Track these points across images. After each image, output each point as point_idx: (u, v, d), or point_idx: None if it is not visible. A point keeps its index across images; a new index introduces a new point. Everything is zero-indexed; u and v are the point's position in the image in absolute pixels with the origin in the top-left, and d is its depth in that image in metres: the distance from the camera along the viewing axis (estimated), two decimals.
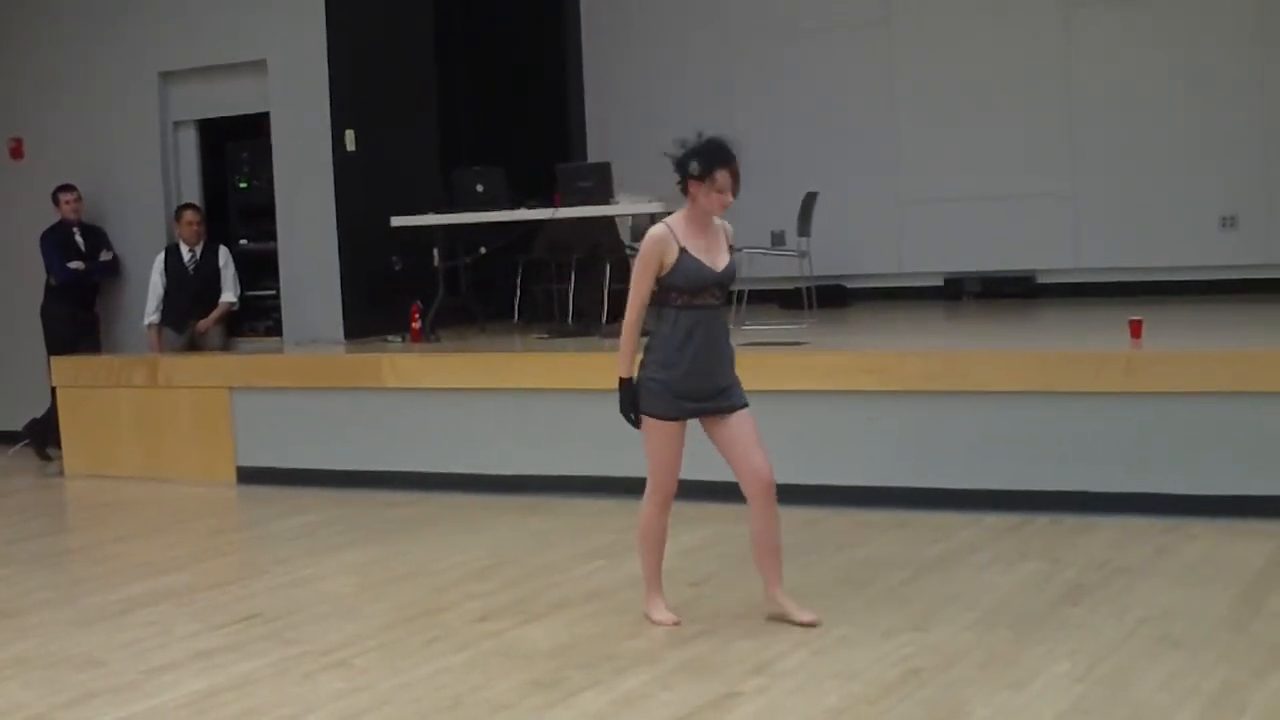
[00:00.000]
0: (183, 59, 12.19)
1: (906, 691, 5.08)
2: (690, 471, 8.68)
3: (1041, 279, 12.84)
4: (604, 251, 11.49)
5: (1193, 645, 5.45)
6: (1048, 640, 5.59)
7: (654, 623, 6.05)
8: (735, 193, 5.90)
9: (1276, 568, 6.57)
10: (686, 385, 5.89)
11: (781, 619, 5.98)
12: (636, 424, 6.01)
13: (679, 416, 5.95)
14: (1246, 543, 7.01)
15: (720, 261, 5.93)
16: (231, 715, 5.21)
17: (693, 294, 5.87)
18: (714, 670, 5.44)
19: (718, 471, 8.57)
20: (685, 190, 5.89)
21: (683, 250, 5.85)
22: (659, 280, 5.88)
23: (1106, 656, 5.35)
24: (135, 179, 12.38)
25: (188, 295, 11.73)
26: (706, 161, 5.82)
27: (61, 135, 12.64)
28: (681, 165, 5.87)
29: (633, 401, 5.98)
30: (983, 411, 8.05)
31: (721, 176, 5.83)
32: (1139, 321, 8.31)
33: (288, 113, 11.76)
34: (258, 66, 11.81)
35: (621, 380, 6.00)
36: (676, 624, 6.02)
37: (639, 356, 6.02)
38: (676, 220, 5.93)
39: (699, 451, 8.68)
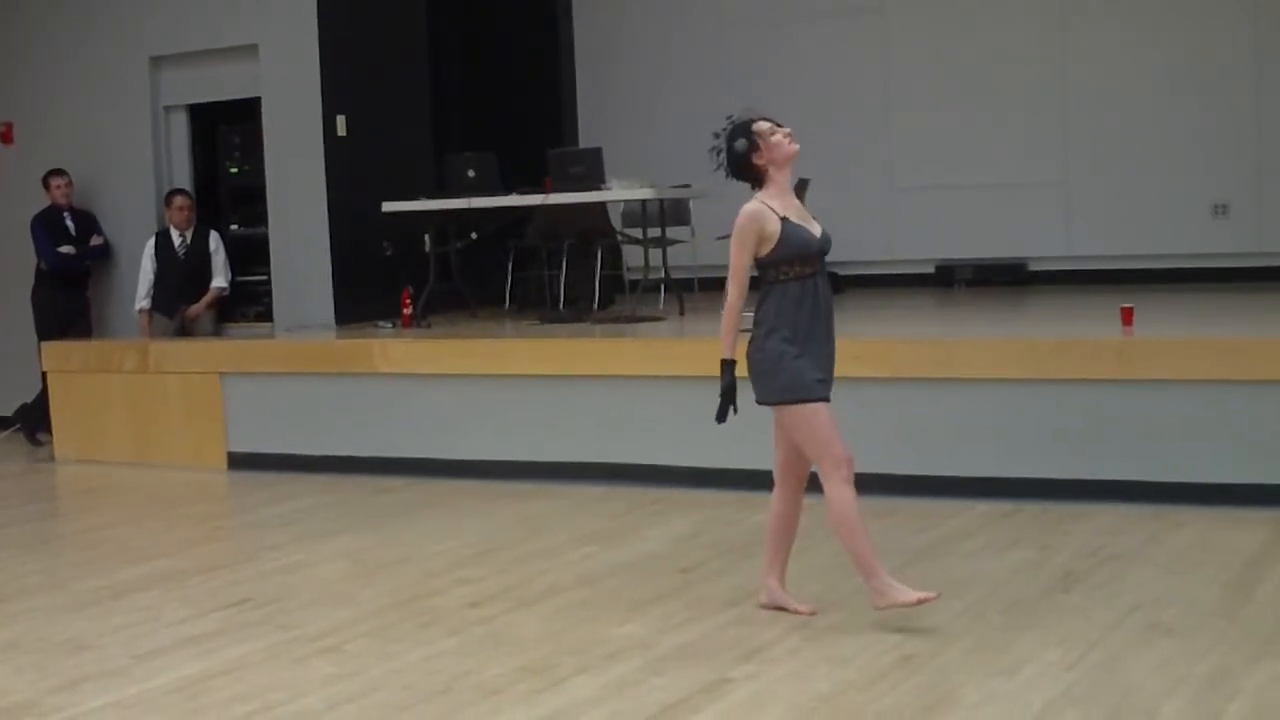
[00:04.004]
0: (174, 43, 12.15)
1: (898, 678, 5.09)
2: (678, 458, 8.76)
3: (1034, 266, 12.83)
4: (596, 237, 11.48)
5: (1184, 632, 5.46)
6: (1039, 627, 5.59)
7: (911, 604, 5.60)
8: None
9: (1267, 555, 6.57)
10: (816, 362, 5.71)
11: (779, 608, 5.96)
12: (728, 412, 5.71)
13: (825, 397, 5.71)
14: (1238, 530, 7.02)
15: (815, 229, 5.80)
16: (222, 700, 5.21)
17: (802, 263, 5.70)
18: (705, 657, 5.44)
19: (706, 458, 8.63)
20: (756, 178, 5.77)
21: (783, 219, 5.69)
22: (763, 258, 5.69)
23: (1097, 643, 5.36)
24: (126, 164, 12.35)
25: (178, 280, 11.71)
26: (743, 131, 5.75)
27: (52, 120, 12.59)
28: (734, 156, 5.77)
29: (735, 387, 5.69)
30: (974, 398, 8.04)
31: (763, 126, 5.75)
32: (1130, 309, 8.31)
33: (279, 98, 11.72)
34: (249, 51, 11.77)
35: (725, 363, 5.71)
36: (935, 596, 5.66)
37: (741, 344, 5.77)
38: (765, 197, 5.75)
39: (687, 437, 8.71)
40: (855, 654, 5.36)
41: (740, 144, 5.76)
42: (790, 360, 5.68)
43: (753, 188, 5.83)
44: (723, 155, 5.84)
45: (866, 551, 5.69)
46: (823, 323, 5.77)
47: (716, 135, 5.88)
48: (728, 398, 5.73)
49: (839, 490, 5.67)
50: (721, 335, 5.76)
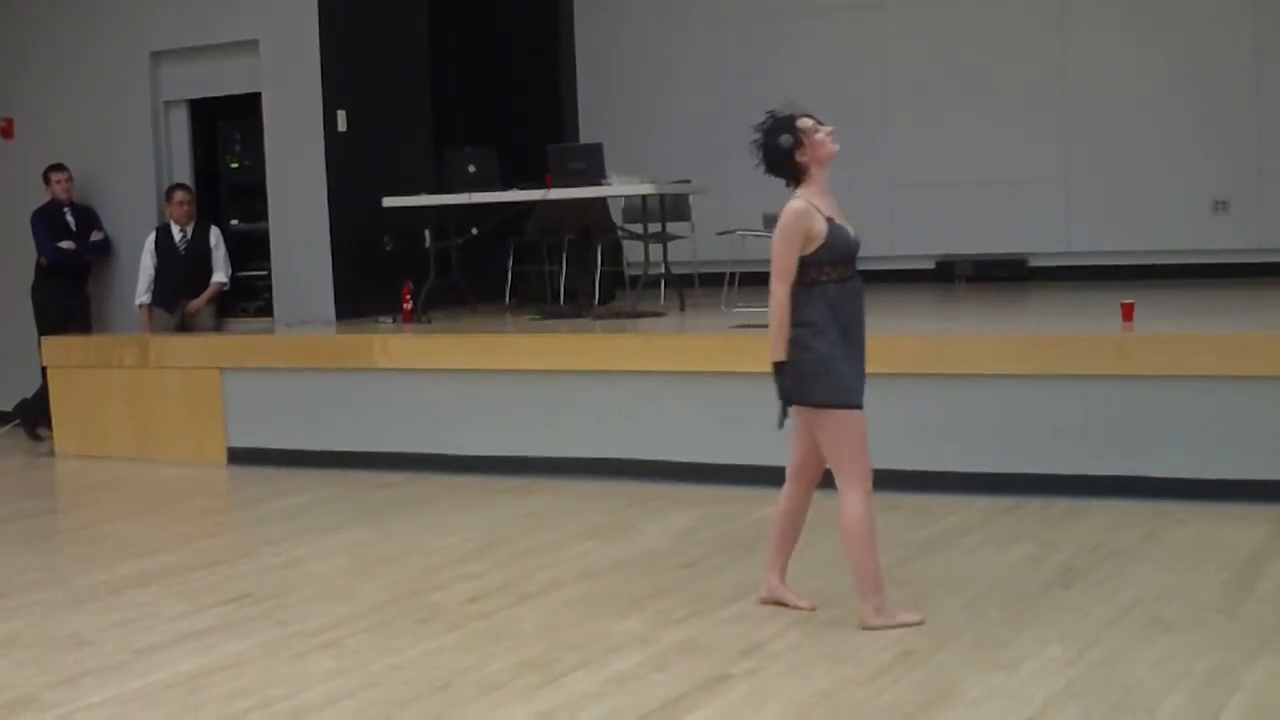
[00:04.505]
0: (174, 38, 12.14)
1: (898, 674, 5.08)
2: (679, 453, 8.76)
3: (1034, 262, 12.82)
4: (596, 232, 11.48)
5: (1184, 628, 5.46)
6: (1039, 623, 5.59)
7: (910, 625, 5.58)
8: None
9: (1268, 551, 6.57)
10: (854, 368, 5.64)
11: (779, 604, 5.95)
12: (786, 415, 5.60)
13: (862, 404, 5.64)
14: (1238, 526, 7.02)
15: (851, 230, 5.73)
16: (221, 696, 5.20)
17: (845, 265, 5.65)
18: (705, 652, 5.44)
19: (706, 454, 8.63)
20: (795, 176, 5.65)
21: (829, 219, 5.61)
22: (806, 258, 5.58)
23: (1098, 639, 5.36)
24: (126, 159, 12.34)
25: (178, 275, 11.70)
26: (787, 127, 5.63)
27: (53, 115, 12.58)
28: (776, 152, 5.63)
29: (793, 388, 5.56)
30: (974, 394, 8.04)
31: (806, 123, 5.64)
32: (1131, 305, 8.31)
33: (280, 93, 11.72)
34: (250, 46, 11.76)
35: (779, 365, 5.58)
36: (923, 621, 5.65)
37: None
38: (809, 195, 5.64)
39: (688, 432, 8.71)
40: (855, 650, 5.36)
41: (785, 140, 5.63)
42: (839, 363, 5.59)
43: (787, 184, 5.71)
44: (763, 144, 5.68)
45: (873, 568, 5.64)
46: (858, 327, 5.70)
47: (756, 129, 5.73)
48: (788, 402, 5.60)
49: (859, 504, 5.60)
50: (773, 337, 5.59)
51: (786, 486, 5.92)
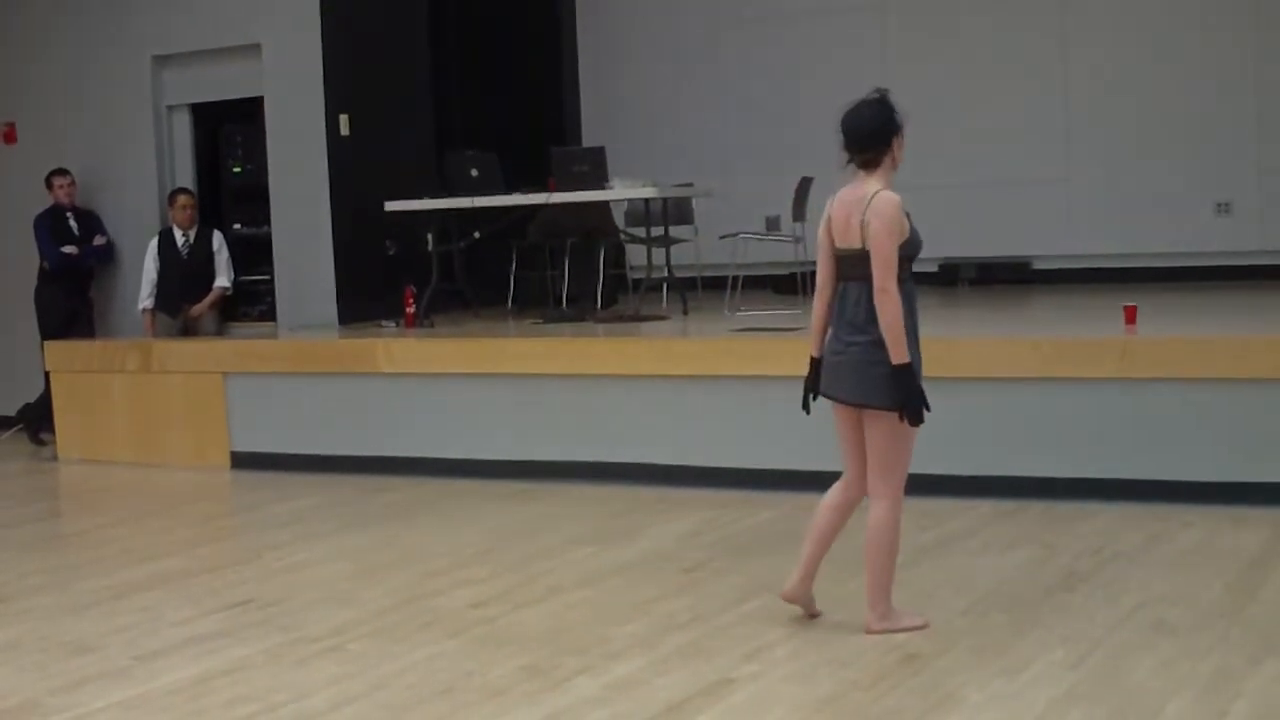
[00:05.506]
0: (177, 43, 12.16)
1: (900, 678, 5.08)
2: (681, 457, 8.76)
3: (1037, 265, 12.82)
4: (598, 236, 11.48)
5: (1187, 632, 5.45)
6: (1042, 626, 5.59)
7: (914, 629, 5.55)
8: None
9: (1271, 554, 6.56)
10: (919, 370, 5.54)
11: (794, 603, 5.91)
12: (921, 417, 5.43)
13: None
14: (1241, 529, 7.01)
15: None
16: (225, 701, 5.20)
17: (913, 262, 5.54)
18: (708, 656, 5.43)
19: (708, 457, 8.62)
20: (877, 158, 5.52)
21: (908, 214, 5.51)
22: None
23: (1101, 643, 5.35)
24: (129, 163, 12.36)
25: (181, 280, 11.71)
26: (899, 113, 5.53)
27: (55, 119, 12.60)
28: (892, 124, 5.48)
29: (915, 391, 5.41)
30: (977, 397, 8.03)
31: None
32: (1133, 307, 8.30)
33: (282, 97, 11.73)
34: (252, 50, 11.78)
35: (909, 368, 5.40)
36: (926, 625, 5.63)
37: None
38: (888, 187, 5.47)
39: (690, 436, 8.71)
40: (858, 654, 5.35)
41: (899, 119, 5.52)
42: (920, 367, 5.53)
43: (850, 158, 5.53)
44: (878, 112, 5.54)
45: (889, 578, 5.60)
46: (917, 328, 5.59)
47: (876, 94, 5.61)
48: (923, 400, 5.49)
49: (892, 512, 5.54)
50: (897, 338, 5.39)
51: (842, 492, 5.74)
